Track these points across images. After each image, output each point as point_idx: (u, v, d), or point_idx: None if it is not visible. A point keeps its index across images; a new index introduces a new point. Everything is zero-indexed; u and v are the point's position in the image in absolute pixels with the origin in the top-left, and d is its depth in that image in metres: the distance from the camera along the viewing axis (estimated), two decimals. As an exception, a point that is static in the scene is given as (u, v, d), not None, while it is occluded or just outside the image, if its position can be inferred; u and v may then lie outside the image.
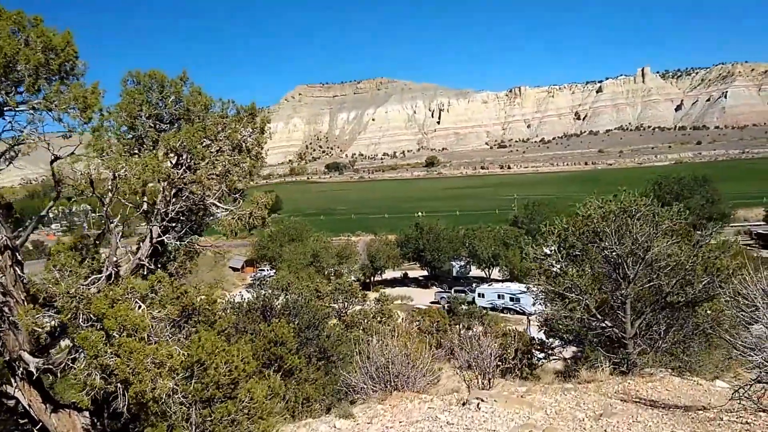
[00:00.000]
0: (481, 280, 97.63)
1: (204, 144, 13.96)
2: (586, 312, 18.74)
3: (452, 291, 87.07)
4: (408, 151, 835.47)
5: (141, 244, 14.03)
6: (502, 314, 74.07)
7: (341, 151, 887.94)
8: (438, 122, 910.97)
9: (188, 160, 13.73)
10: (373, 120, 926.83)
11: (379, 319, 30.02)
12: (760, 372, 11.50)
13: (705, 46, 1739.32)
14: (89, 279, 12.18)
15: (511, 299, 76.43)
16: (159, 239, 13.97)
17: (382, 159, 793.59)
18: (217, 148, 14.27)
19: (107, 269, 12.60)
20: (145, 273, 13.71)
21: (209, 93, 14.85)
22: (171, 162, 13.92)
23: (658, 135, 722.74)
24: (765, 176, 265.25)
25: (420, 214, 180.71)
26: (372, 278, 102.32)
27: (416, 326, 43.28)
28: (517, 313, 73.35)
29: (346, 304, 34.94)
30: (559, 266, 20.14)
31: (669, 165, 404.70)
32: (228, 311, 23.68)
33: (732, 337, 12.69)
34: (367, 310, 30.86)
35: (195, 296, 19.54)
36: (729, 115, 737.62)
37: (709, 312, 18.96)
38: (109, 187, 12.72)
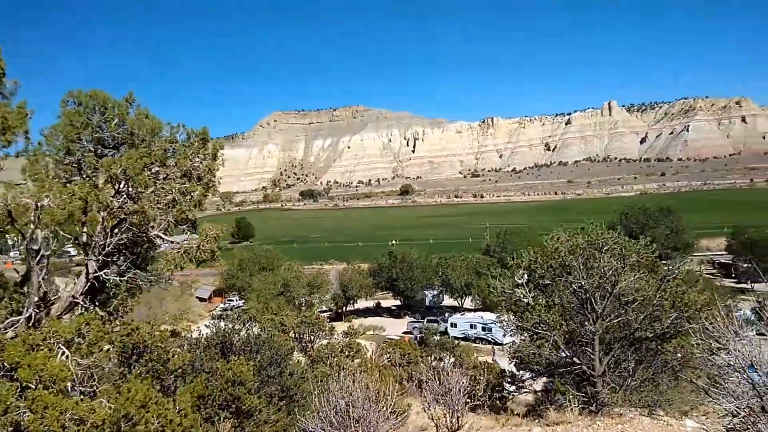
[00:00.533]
0: (454, 310, 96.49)
1: (151, 170, 12.64)
2: (554, 348, 17.81)
3: (425, 321, 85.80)
4: (383, 179, 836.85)
5: (76, 279, 12.57)
6: (474, 344, 72.90)
7: (316, 178, 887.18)
8: (413, 151, 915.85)
9: (130, 189, 12.34)
10: (348, 147, 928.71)
11: (346, 353, 28.53)
12: (732, 420, 10.57)
13: (669, 81, 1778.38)
14: (6, 321, 10.67)
15: (483, 329, 75.32)
16: (96, 275, 12.50)
17: (357, 187, 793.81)
18: (165, 175, 12.92)
19: (27, 310, 11.08)
20: (80, 312, 12.26)
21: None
22: (111, 190, 12.50)
23: (624, 166, 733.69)
24: (726, 207, 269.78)
25: (393, 242, 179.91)
26: (344, 308, 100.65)
27: (386, 359, 41.85)
28: (489, 342, 72.26)
29: (312, 338, 33.38)
30: (527, 300, 19.13)
31: (634, 195, 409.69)
32: (185, 347, 22.21)
33: (702, 376, 11.85)
34: (335, 344, 29.34)
35: (146, 333, 18.10)
36: (691, 147, 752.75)
37: (677, 348, 18.13)
38: (32, 218, 11.24)
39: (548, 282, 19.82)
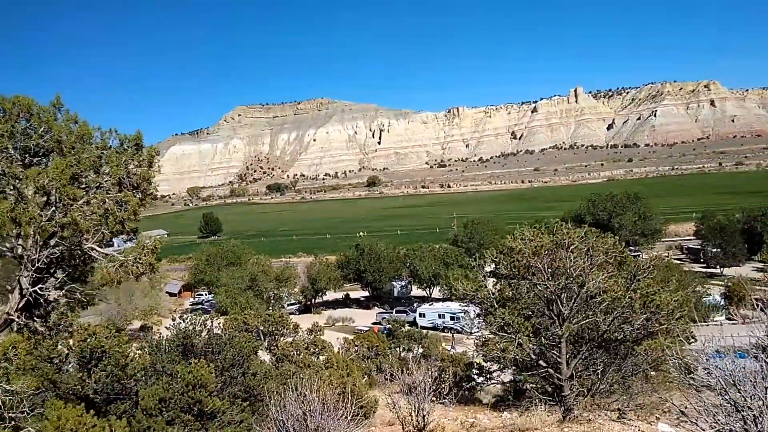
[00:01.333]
0: (422, 300, 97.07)
1: (81, 180, 12.22)
2: (519, 351, 17.45)
3: (394, 311, 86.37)
4: (350, 171, 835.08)
5: (10, 296, 12.22)
6: (443, 333, 73.49)
7: (282, 171, 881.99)
8: (379, 142, 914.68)
9: (60, 200, 11.91)
10: (314, 140, 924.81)
11: (311, 350, 28.51)
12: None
13: (635, 65, 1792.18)
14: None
15: (452, 318, 75.77)
16: (31, 290, 12.14)
17: (323, 179, 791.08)
18: (97, 185, 12.53)
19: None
20: (16, 329, 11.99)
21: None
22: (40, 202, 12.03)
23: (591, 153, 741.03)
24: (694, 192, 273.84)
25: (361, 234, 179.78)
26: (313, 300, 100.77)
27: (354, 352, 42.01)
28: (458, 332, 72.73)
29: (276, 336, 33.30)
30: (489, 303, 18.92)
31: (602, 182, 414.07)
32: (146, 349, 22.07)
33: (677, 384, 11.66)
34: (299, 341, 29.27)
35: (104, 339, 17.97)
36: (659, 132, 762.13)
37: (648, 350, 17.69)
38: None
39: (510, 284, 19.41)
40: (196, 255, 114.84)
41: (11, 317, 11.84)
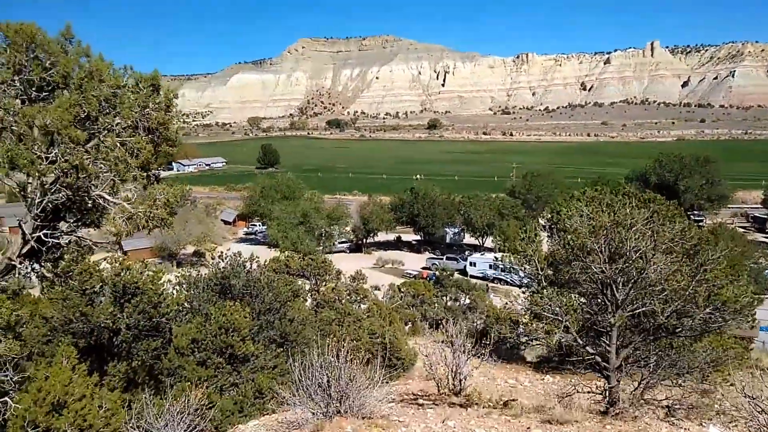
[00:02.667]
0: (474, 248, 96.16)
1: (86, 123, 11.31)
2: (565, 333, 16.28)
3: (444, 258, 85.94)
4: (411, 112, 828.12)
5: (12, 240, 11.65)
6: (492, 284, 72.73)
7: (343, 108, 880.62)
8: (443, 84, 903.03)
9: (62, 143, 11.07)
10: (377, 78, 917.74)
11: (353, 298, 28.06)
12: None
13: (716, 23, 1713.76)
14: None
15: (503, 270, 74.81)
16: (35, 235, 11.52)
17: (384, 118, 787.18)
18: (108, 127, 11.64)
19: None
20: (23, 274, 11.48)
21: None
22: (45, 143, 11.19)
23: (662, 110, 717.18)
24: (766, 158, 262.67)
25: (418, 177, 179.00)
26: (364, 240, 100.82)
27: (398, 300, 41.65)
28: (508, 284, 71.84)
29: (317, 281, 32.96)
30: (538, 281, 17.68)
31: (671, 141, 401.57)
32: (183, 286, 21.85)
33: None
34: (341, 288, 28.83)
35: (138, 274, 17.70)
36: (735, 94, 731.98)
37: (708, 348, 16.28)
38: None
39: (563, 264, 18.06)
40: (252, 186, 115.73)
41: (12, 262, 11.33)
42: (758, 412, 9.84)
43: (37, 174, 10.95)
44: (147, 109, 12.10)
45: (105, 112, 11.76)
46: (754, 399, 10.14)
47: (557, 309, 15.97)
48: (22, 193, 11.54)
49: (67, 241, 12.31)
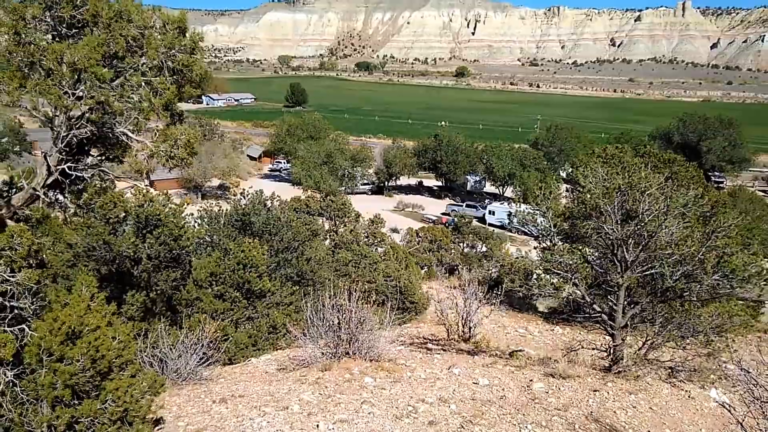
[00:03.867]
0: (494, 197, 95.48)
1: (113, 61, 11.09)
2: (574, 290, 16.04)
3: (464, 205, 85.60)
4: (440, 58, 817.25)
5: (38, 171, 11.58)
6: (510, 234, 72.36)
7: (373, 51, 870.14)
8: (473, 33, 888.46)
9: (88, 80, 10.89)
10: (408, 23, 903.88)
11: (370, 241, 27.91)
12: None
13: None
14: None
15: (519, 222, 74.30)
16: (60, 167, 11.43)
17: (412, 64, 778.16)
18: (134, 66, 11.42)
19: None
20: (47, 204, 11.40)
21: None
22: (72, 78, 11.00)
23: (690, 70, 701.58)
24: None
25: (443, 123, 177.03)
26: (386, 183, 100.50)
27: (416, 244, 41.52)
28: (525, 234, 71.44)
29: (337, 222, 32.80)
30: (549, 238, 17.34)
31: (696, 102, 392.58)
32: (204, 221, 21.79)
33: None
34: (359, 231, 28.66)
35: (160, 207, 17.59)
36: (764, 58, 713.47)
37: (714, 314, 15.85)
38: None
39: (576, 222, 17.69)
40: (278, 123, 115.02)
41: (37, 192, 11.30)
42: (753, 384, 9.58)
43: (63, 108, 10.83)
44: (172, 51, 11.85)
45: (132, 51, 11.57)
46: (748, 372, 9.87)
47: (568, 265, 15.72)
48: (49, 125, 11.44)
49: (90, 174, 12.25)
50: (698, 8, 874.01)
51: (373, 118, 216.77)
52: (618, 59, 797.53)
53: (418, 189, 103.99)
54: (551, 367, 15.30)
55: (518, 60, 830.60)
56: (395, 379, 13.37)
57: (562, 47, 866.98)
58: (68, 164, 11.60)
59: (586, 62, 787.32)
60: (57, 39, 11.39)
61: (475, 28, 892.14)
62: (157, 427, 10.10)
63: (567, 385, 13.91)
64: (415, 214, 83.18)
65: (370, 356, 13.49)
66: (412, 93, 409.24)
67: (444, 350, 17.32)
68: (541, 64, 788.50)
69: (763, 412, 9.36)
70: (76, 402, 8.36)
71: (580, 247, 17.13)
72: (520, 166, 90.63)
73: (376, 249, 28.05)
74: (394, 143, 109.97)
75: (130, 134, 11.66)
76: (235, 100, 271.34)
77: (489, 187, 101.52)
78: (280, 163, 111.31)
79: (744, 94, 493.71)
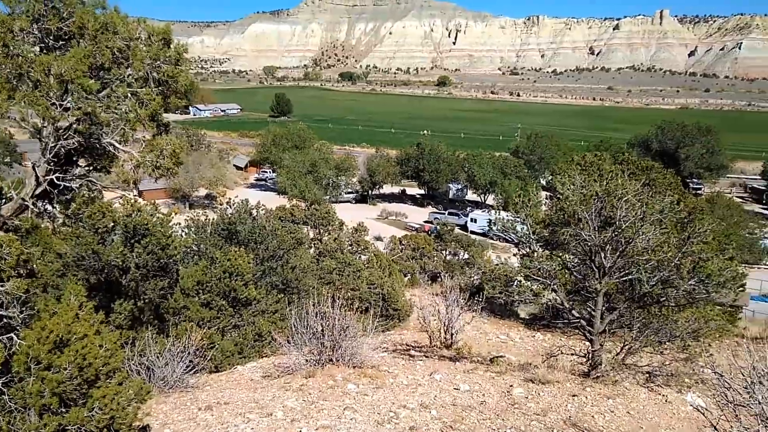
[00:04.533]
0: (476, 205, 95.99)
1: (100, 73, 11.26)
2: (552, 297, 16.25)
3: (446, 213, 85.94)
4: (421, 68, 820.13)
5: (27, 181, 11.70)
6: (491, 241, 72.76)
7: (356, 61, 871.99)
8: (454, 43, 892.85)
9: (75, 91, 11.06)
10: (390, 33, 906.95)
11: (354, 249, 28.11)
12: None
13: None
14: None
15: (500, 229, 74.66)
16: (48, 178, 11.58)
17: (395, 73, 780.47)
18: (120, 78, 11.60)
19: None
20: (36, 214, 11.50)
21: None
22: (59, 90, 11.16)
23: (668, 78, 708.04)
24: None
25: (425, 132, 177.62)
26: (370, 192, 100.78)
27: (399, 250, 41.75)
28: (507, 241, 71.81)
29: (321, 230, 33.03)
30: (528, 245, 17.57)
31: (675, 109, 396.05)
32: (191, 230, 21.92)
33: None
34: (343, 239, 28.85)
35: (148, 216, 17.70)
36: (741, 66, 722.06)
37: (690, 319, 16.10)
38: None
39: (555, 229, 17.86)
40: (264, 133, 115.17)
41: (25, 203, 11.40)
42: (726, 387, 9.84)
43: (51, 120, 10.96)
44: (158, 62, 12.00)
45: (118, 62, 11.71)
46: (722, 376, 10.13)
47: (547, 271, 15.95)
48: (37, 136, 11.57)
49: (78, 185, 12.36)
50: (676, 16, 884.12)
51: (357, 128, 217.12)
52: (597, 68, 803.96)
53: (402, 197, 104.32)
54: (531, 372, 15.52)
55: (499, 69, 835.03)
56: (378, 386, 13.55)
57: (542, 56, 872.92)
58: (56, 174, 11.72)
59: (565, 71, 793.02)
60: (44, 51, 11.51)
61: (456, 38, 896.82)
62: (144, 434, 10.16)
63: (546, 390, 14.13)
64: (398, 222, 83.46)
65: (353, 363, 13.65)
66: (394, 102, 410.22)
67: (426, 357, 17.51)
68: (522, 73, 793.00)
69: (737, 415, 9.58)
70: (64, 410, 8.43)
71: (560, 254, 17.37)
72: (501, 174, 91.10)
73: (360, 257, 28.24)
74: (378, 152, 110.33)
75: (117, 144, 11.79)
76: (222, 111, 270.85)
77: (471, 195, 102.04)
78: (266, 172, 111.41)
79: (721, 101, 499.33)
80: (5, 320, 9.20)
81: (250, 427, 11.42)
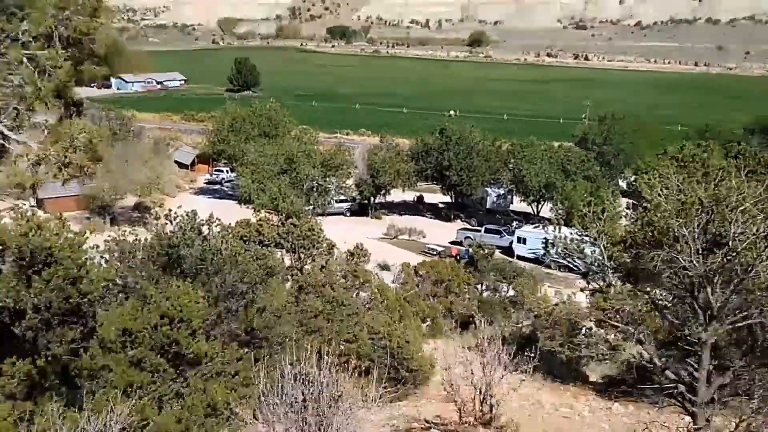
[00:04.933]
0: (526, 218, 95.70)
1: (9, 17, 11.27)
2: (639, 348, 16.08)
3: (483, 230, 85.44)
4: (446, 20, 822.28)
5: None
6: (548, 270, 72.53)
7: (352, 10, 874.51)
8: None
9: None
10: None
11: (350, 283, 28.06)
12: None
13: None
14: None
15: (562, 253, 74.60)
16: None
17: (408, 29, 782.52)
18: (12, 36, 11.56)
19: None
20: None
21: None
22: None
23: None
24: None
25: (452, 113, 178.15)
26: (372, 199, 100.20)
27: (414, 288, 41.82)
28: (570, 270, 71.67)
29: (302, 256, 33.02)
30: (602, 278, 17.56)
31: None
32: (115, 255, 22.02)
33: None
34: (334, 268, 28.83)
35: (53, 236, 17.79)
36: None
37: None
38: None
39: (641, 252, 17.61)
40: (219, 115, 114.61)
41: None
42: None
43: None
44: (66, 12, 11.97)
45: (9, 14, 11.70)
46: None
47: (629, 314, 15.91)
48: None
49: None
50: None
51: (353, 107, 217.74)
52: (701, 18, 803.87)
53: (418, 207, 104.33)
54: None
55: (558, 21, 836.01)
56: (385, 482, 13.58)
57: (621, 2, 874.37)
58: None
59: (655, 23, 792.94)
60: None
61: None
62: None
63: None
64: (413, 244, 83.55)
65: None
66: (407, 70, 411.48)
67: (455, 438, 17.54)
68: (591, 27, 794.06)
69: None
70: None
71: (647, 288, 17.35)
72: (562, 174, 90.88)
73: (358, 294, 28.33)
74: (383, 142, 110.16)
75: (7, 132, 11.78)
76: (158, 83, 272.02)
77: (518, 205, 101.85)
78: (221, 172, 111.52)
79: None
80: None
81: None
